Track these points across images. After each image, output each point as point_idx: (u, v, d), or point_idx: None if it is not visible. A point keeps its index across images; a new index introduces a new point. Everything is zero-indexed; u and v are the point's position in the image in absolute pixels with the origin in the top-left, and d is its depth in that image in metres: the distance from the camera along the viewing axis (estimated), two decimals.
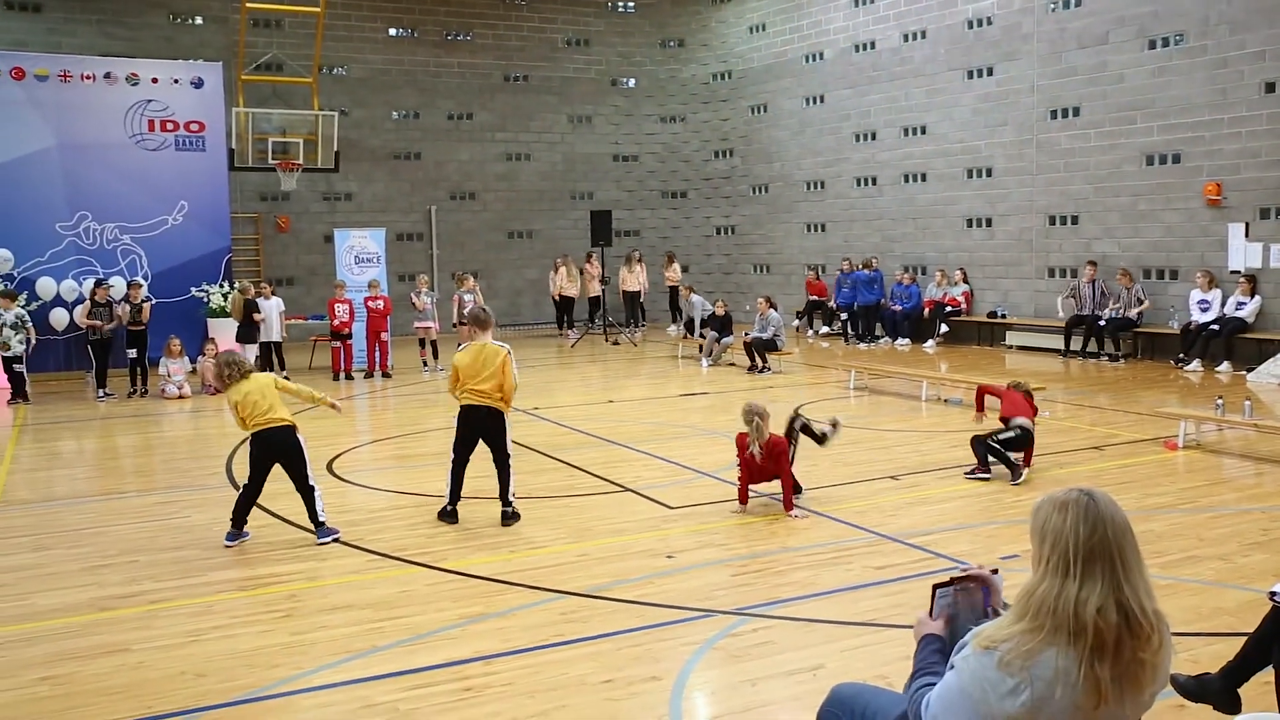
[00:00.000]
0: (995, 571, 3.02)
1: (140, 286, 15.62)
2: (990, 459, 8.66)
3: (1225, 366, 14.63)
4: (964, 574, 2.98)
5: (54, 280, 16.41)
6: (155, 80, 17.44)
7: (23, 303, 15.59)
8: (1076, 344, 16.63)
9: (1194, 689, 4.36)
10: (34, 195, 16.57)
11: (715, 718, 4.66)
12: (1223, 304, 15.01)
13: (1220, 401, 10.27)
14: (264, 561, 6.94)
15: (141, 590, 6.41)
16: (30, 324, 14.80)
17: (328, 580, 6.52)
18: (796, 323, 21.62)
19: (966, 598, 2.95)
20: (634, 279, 22.63)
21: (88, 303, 15.08)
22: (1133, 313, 16.05)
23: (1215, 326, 14.84)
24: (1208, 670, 4.44)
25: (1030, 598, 2.55)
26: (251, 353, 15.65)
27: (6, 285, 15.73)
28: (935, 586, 2.93)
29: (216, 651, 5.39)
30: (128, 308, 15.12)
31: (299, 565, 6.83)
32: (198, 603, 6.16)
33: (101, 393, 14.66)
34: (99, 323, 14.78)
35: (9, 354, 14.39)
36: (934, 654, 2.85)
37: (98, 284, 15.29)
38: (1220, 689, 4.30)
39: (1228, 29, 15.14)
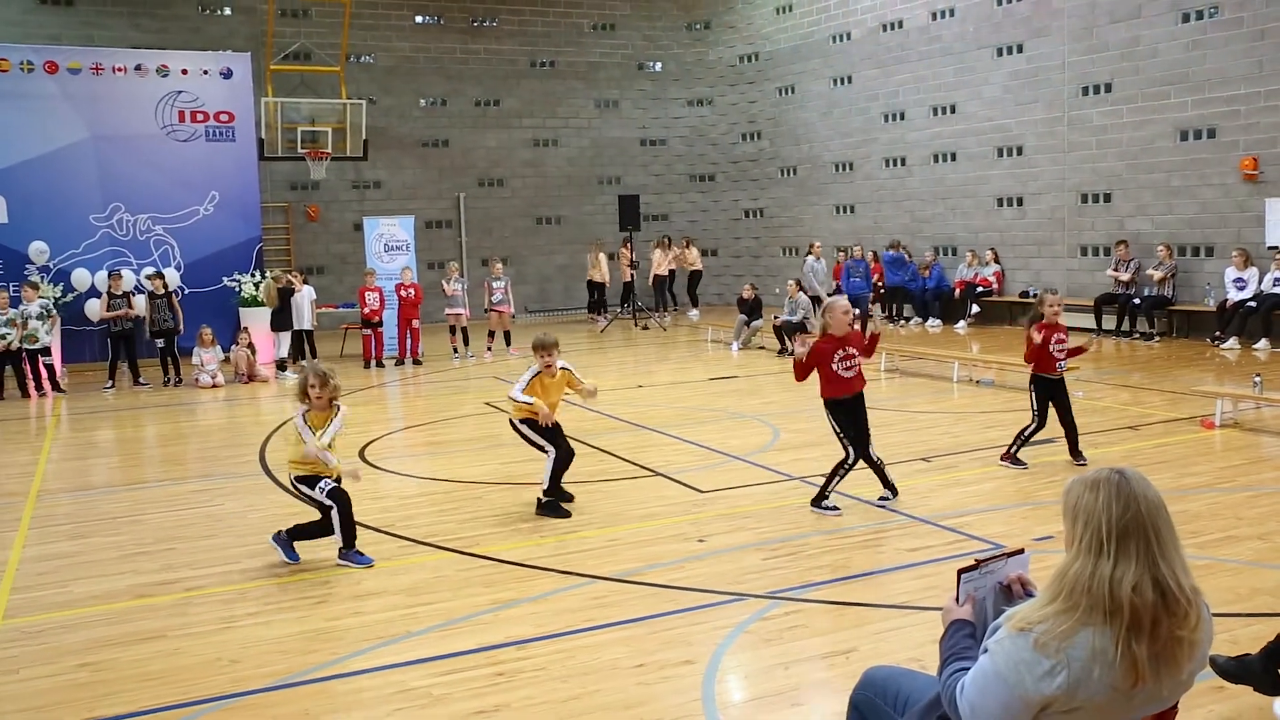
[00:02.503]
0: (1021, 551, 2.99)
1: (161, 276, 15.68)
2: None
3: (1263, 344, 14.41)
4: (989, 557, 2.95)
5: (89, 271, 16.58)
6: (185, 71, 17.55)
7: (57, 293, 15.77)
8: (1108, 323, 16.42)
9: (1234, 670, 4.30)
10: (68, 187, 16.74)
11: (748, 701, 4.65)
12: (1259, 282, 14.77)
13: (1258, 379, 10.11)
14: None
15: (177, 578, 6.48)
16: (54, 312, 14.87)
17: (360, 566, 6.55)
18: None
19: (992, 581, 2.93)
20: (665, 263, 22.71)
21: (106, 296, 15.19)
22: (1162, 271, 15.76)
23: (1253, 303, 14.62)
24: (1247, 651, 4.38)
25: (1064, 578, 2.52)
26: (285, 341, 15.79)
27: (43, 276, 15.91)
28: (960, 571, 2.91)
29: (251, 638, 5.44)
30: (145, 299, 15.22)
31: (332, 552, 6.87)
32: (232, 590, 6.22)
33: (109, 384, 14.77)
34: (121, 312, 14.87)
35: (36, 346, 14.39)
36: (965, 639, 2.82)
37: (112, 275, 15.40)
38: (1260, 670, 4.24)
39: (1264, 0, 14.85)
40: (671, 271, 23.10)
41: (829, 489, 7.33)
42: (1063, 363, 8.41)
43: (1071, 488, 2.61)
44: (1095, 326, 16.55)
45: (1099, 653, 2.44)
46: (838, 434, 7.34)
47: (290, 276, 16.10)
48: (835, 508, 7.26)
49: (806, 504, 7.60)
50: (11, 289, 15.50)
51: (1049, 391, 8.43)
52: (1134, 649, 2.43)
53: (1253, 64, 15.06)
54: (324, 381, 6.55)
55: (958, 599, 2.91)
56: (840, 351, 7.22)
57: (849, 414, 7.31)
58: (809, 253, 18.80)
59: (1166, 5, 16.07)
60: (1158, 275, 15.80)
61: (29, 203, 16.46)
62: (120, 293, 15.12)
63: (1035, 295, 8.79)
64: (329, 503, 6.55)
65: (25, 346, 14.22)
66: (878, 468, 7.47)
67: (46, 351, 14.57)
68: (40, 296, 14.78)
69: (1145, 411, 10.49)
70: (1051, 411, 8.43)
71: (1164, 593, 2.45)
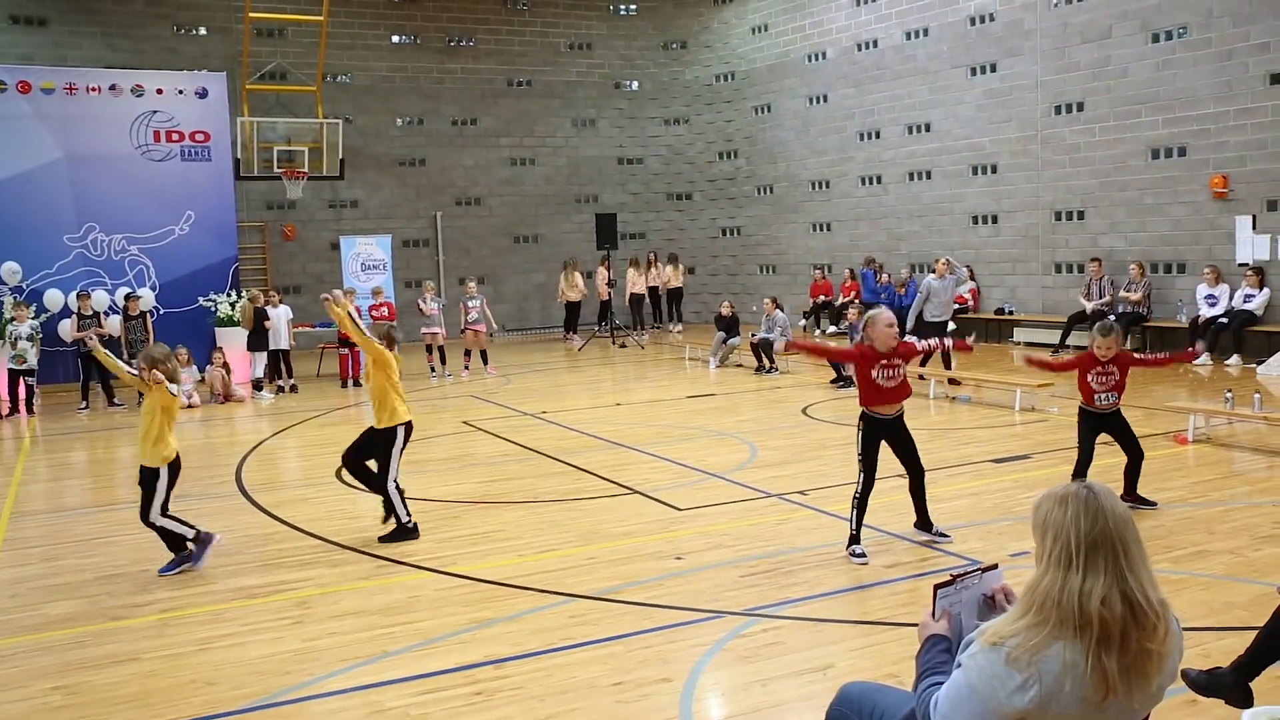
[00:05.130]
0: (995, 567, 3.03)
1: (137, 299, 15.60)
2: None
3: (1235, 359, 14.58)
4: (964, 572, 2.99)
5: (62, 292, 16.44)
6: (160, 91, 17.47)
7: (32, 314, 15.66)
8: (1081, 339, 16.55)
9: (1205, 683, 4.34)
10: (42, 208, 16.61)
11: (726, 718, 4.66)
12: (1230, 298, 14.95)
13: (1229, 395, 10.22)
14: (273, 569, 6.95)
15: (152, 599, 6.43)
16: (40, 335, 14.85)
17: (337, 586, 6.53)
18: (803, 322, 21.61)
19: (968, 596, 2.96)
20: (643, 281, 22.89)
21: (75, 316, 15.10)
22: (1136, 295, 15.92)
23: (1224, 319, 14.79)
24: (1219, 665, 4.42)
25: (1034, 592, 2.55)
26: (261, 361, 15.72)
27: (16, 298, 15.79)
28: (936, 586, 2.94)
29: (227, 659, 5.40)
30: (120, 320, 15.14)
31: (308, 572, 6.84)
32: (208, 611, 6.18)
33: (83, 405, 14.67)
34: (89, 331, 14.75)
35: (24, 367, 14.35)
36: (941, 654, 2.84)
37: (80, 296, 15.31)
38: (1232, 683, 4.28)
39: (1231, 21, 15.09)
40: (654, 289, 23.28)
41: (856, 528, 6.71)
42: (1102, 395, 7.54)
43: (1041, 503, 2.65)
44: (1059, 343, 16.70)
45: (1070, 666, 2.46)
46: (858, 456, 6.79)
47: (266, 298, 16.02)
48: (862, 555, 6.61)
49: (784, 521, 7.63)
50: None
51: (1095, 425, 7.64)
52: (1104, 662, 2.46)
53: (1221, 84, 15.29)
54: (153, 364, 6.92)
55: (933, 614, 2.94)
56: (884, 361, 6.71)
57: (879, 436, 6.78)
58: (931, 270, 14.76)
59: (1136, 26, 16.30)
60: (1135, 296, 15.94)
61: (2, 223, 16.31)
62: (89, 313, 15.02)
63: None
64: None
65: (13, 367, 14.21)
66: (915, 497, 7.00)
67: (32, 373, 14.49)
68: (30, 318, 14.73)
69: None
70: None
71: (1132, 606, 2.48)
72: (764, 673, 4.97)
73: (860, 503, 6.70)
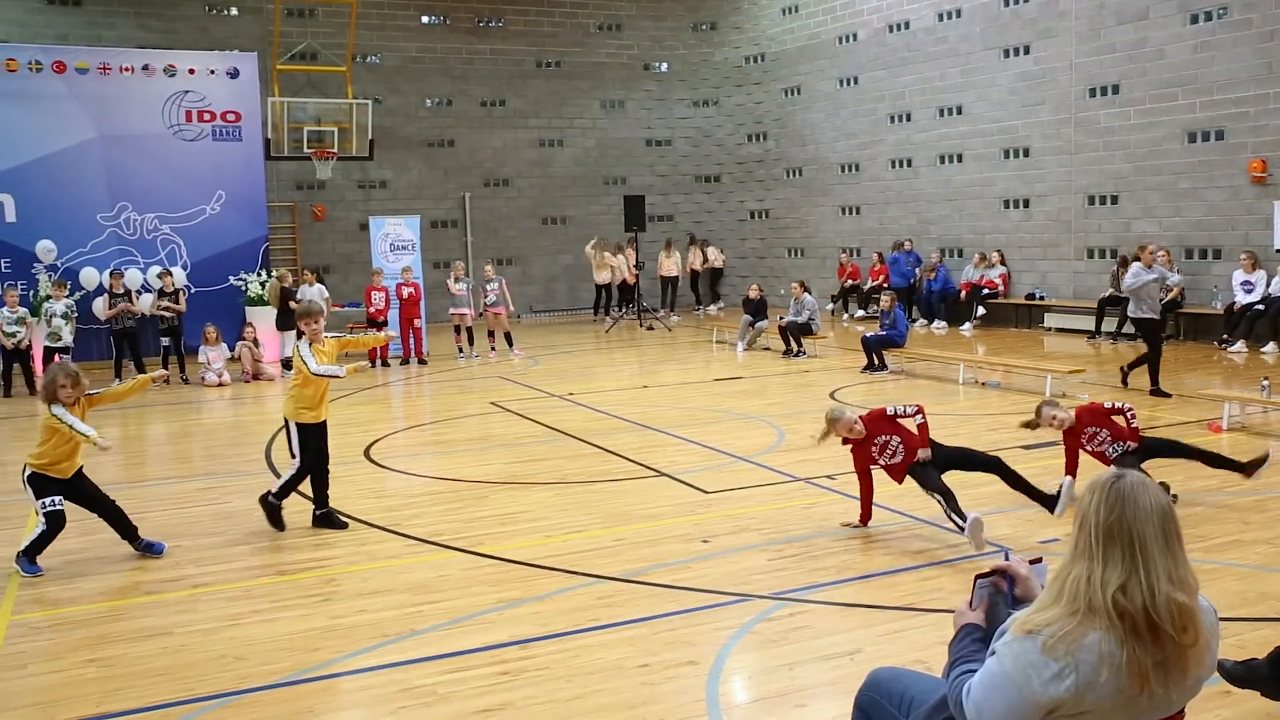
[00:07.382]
0: (1039, 560, 2.97)
1: (170, 274, 15.75)
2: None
3: (1270, 347, 14.37)
4: (1006, 565, 2.94)
5: (96, 270, 16.60)
6: (192, 71, 17.59)
7: (67, 292, 15.84)
8: (1110, 325, 16.38)
9: (1241, 675, 4.29)
10: (76, 187, 16.78)
11: (752, 702, 4.65)
12: (1267, 285, 14.73)
13: (1265, 382, 10.09)
14: (303, 546, 7.00)
15: (183, 575, 6.49)
16: (75, 314, 15.00)
17: (366, 565, 6.57)
18: (831, 306, 21.51)
19: (1009, 587, 2.92)
20: (671, 264, 23.07)
21: (107, 295, 15.23)
22: (1175, 285, 15.72)
23: (1261, 306, 14.58)
24: (1255, 656, 4.37)
25: (1066, 579, 2.51)
26: (290, 339, 15.81)
27: (51, 276, 15.95)
28: (977, 576, 2.91)
29: (257, 635, 5.45)
30: (151, 297, 15.31)
31: (337, 550, 6.89)
32: (238, 587, 6.23)
33: (116, 383, 14.83)
34: (120, 308, 14.89)
35: (59, 344, 14.50)
36: (974, 643, 2.81)
37: (112, 274, 15.45)
38: (1268, 675, 4.23)
39: (1273, 1, 14.81)
40: (695, 271, 23.81)
41: (947, 504, 6.60)
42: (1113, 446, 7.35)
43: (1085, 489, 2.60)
44: (1094, 329, 16.55)
45: (1107, 656, 2.42)
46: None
47: (298, 277, 16.10)
48: (963, 517, 6.42)
49: (811, 505, 7.60)
50: (20, 288, 15.55)
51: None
52: (1138, 654, 2.41)
53: (1261, 65, 15.02)
54: (75, 381, 6.89)
55: (971, 603, 2.90)
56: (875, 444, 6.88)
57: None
58: (1135, 259, 11.81)
59: (1174, 6, 16.03)
60: (1171, 295, 15.65)
61: (37, 202, 16.51)
62: (120, 291, 15.16)
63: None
64: (42, 522, 6.68)
65: (48, 344, 14.37)
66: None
67: (67, 350, 14.65)
68: (65, 296, 14.88)
69: (1152, 415, 10.46)
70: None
71: (1153, 600, 2.42)
72: (791, 657, 4.96)
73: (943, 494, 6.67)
